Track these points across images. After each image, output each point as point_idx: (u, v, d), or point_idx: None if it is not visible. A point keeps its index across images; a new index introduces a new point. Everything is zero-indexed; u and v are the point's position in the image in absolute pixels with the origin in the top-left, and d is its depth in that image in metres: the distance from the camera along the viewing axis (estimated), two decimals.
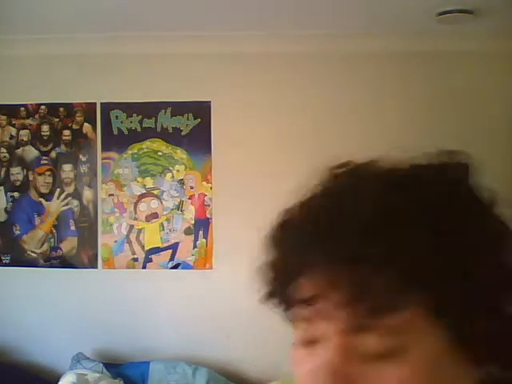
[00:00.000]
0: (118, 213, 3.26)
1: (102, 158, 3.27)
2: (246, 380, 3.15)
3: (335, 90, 3.20)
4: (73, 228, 3.27)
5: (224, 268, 3.20)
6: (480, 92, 3.17)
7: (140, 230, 3.26)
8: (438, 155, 0.57)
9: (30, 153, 3.29)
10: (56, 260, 3.27)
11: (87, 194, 3.28)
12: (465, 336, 0.52)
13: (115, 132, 3.27)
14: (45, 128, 3.29)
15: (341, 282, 0.51)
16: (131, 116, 3.26)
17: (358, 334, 0.52)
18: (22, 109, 3.28)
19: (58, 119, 3.28)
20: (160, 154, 3.26)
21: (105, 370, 2.96)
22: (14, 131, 3.30)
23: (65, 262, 3.26)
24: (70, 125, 3.28)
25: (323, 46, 3.16)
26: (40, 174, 3.28)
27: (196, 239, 3.24)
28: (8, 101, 3.28)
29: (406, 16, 2.86)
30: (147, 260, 3.25)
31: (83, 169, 3.28)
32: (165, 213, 3.25)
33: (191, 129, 3.25)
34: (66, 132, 3.29)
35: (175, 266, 3.25)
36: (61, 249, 3.27)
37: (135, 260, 3.25)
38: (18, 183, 3.29)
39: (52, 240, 3.27)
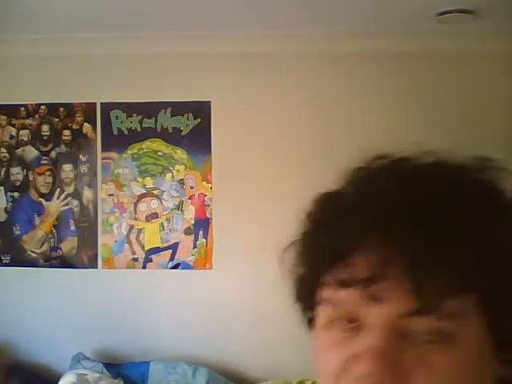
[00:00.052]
0: (117, 213, 3.26)
1: (102, 158, 3.27)
2: (245, 380, 3.15)
3: (335, 90, 3.20)
4: (73, 228, 3.27)
5: (224, 268, 3.20)
6: (480, 92, 3.17)
7: (140, 230, 3.26)
8: (472, 159, 0.57)
9: (30, 153, 3.29)
10: (56, 260, 3.27)
11: (87, 193, 3.28)
12: (502, 334, 0.53)
13: (115, 132, 3.27)
14: (45, 128, 3.29)
15: (404, 264, 0.50)
16: (131, 116, 3.26)
17: (413, 317, 0.51)
18: (22, 109, 3.29)
19: (57, 119, 3.28)
20: (160, 153, 3.26)
21: (105, 370, 2.96)
22: (14, 131, 3.30)
23: (65, 262, 3.26)
24: (69, 125, 3.28)
25: (323, 46, 3.16)
26: (40, 174, 3.28)
27: (196, 239, 3.24)
28: (8, 101, 3.28)
29: (406, 16, 2.86)
30: (147, 260, 3.25)
31: (83, 169, 3.28)
32: (165, 213, 3.25)
33: (191, 129, 3.25)
34: (66, 132, 3.29)
35: (175, 266, 3.25)
36: (61, 249, 3.27)
37: (135, 260, 3.25)
38: (18, 183, 3.29)
39: (52, 240, 3.27)
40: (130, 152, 3.27)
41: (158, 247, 3.25)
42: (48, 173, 3.28)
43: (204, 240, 3.24)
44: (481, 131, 3.06)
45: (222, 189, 3.21)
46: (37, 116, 3.28)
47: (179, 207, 3.25)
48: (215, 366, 3.12)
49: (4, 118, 3.30)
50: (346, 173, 0.59)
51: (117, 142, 3.26)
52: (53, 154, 3.29)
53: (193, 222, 3.24)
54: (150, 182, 3.26)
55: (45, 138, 3.29)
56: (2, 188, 3.30)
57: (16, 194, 3.29)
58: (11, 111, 3.29)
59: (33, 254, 3.27)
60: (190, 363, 3.06)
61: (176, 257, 3.24)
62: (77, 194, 3.28)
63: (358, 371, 0.51)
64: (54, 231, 3.27)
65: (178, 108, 3.24)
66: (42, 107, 3.28)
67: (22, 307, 3.22)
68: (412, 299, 0.50)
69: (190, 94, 3.22)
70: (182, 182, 3.25)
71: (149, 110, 3.24)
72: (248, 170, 3.21)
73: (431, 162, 0.57)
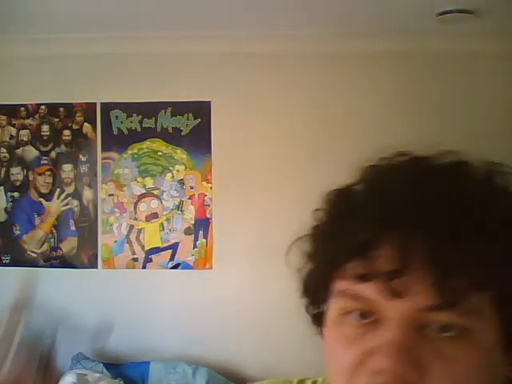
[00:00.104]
0: (118, 213, 3.26)
1: (102, 158, 3.27)
2: (245, 380, 3.15)
3: (334, 90, 3.20)
4: (73, 228, 3.27)
5: (224, 268, 3.20)
6: (480, 92, 3.17)
7: (140, 230, 3.26)
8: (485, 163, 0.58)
9: (30, 153, 3.29)
10: (56, 260, 3.27)
11: (87, 193, 3.28)
12: None
13: (115, 132, 3.27)
14: (45, 128, 3.29)
15: (427, 259, 0.50)
16: (131, 116, 3.26)
17: (433, 312, 0.51)
18: (22, 109, 3.29)
19: (57, 119, 3.28)
20: (160, 153, 3.26)
21: (105, 370, 2.96)
22: (13, 131, 3.30)
23: (65, 262, 3.27)
24: (70, 125, 3.28)
25: (323, 46, 3.15)
26: (40, 174, 3.28)
27: (196, 239, 3.24)
28: (8, 101, 3.28)
29: (405, 16, 2.86)
30: (147, 260, 3.25)
31: (83, 169, 3.28)
32: (165, 213, 3.25)
33: (191, 129, 3.25)
34: (66, 132, 3.29)
35: (175, 266, 3.25)
36: (61, 249, 3.27)
37: (135, 260, 3.25)
38: (18, 183, 3.29)
39: (52, 240, 3.27)
40: (130, 152, 3.27)
41: (158, 247, 3.25)
42: (48, 173, 3.28)
43: (204, 240, 3.24)
44: (480, 131, 3.06)
45: (222, 189, 3.21)
46: (37, 116, 3.29)
47: (179, 207, 3.25)
48: (215, 366, 3.12)
49: (4, 117, 3.30)
50: (360, 169, 0.59)
51: (117, 141, 3.27)
52: (53, 154, 3.29)
53: (193, 222, 3.25)
54: (150, 182, 3.26)
55: (45, 138, 3.29)
56: (1, 188, 3.30)
57: (16, 194, 3.29)
58: (11, 111, 3.29)
59: (33, 254, 3.27)
60: (190, 363, 3.06)
61: (176, 257, 3.24)
62: (77, 194, 3.28)
63: (373, 366, 0.51)
64: (54, 231, 3.27)
65: (178, 108, 3.24)
66: (42, 107, 3.28)
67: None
68: (434, 294, 0.50)
69: (189, 94, 3.22)
70: (182, 182, 3.25)
71: (149, 110, 3.24)
72: (248, 170, 3.21)
73: (455, 161, 0.57)
